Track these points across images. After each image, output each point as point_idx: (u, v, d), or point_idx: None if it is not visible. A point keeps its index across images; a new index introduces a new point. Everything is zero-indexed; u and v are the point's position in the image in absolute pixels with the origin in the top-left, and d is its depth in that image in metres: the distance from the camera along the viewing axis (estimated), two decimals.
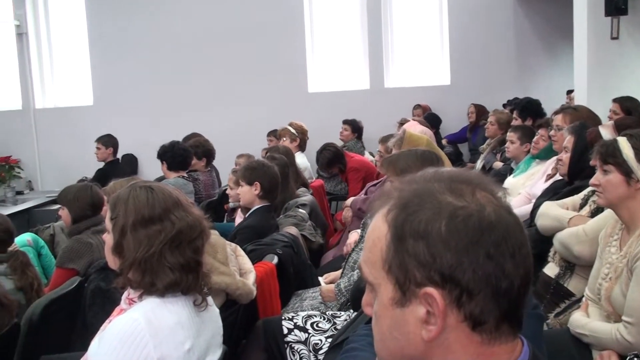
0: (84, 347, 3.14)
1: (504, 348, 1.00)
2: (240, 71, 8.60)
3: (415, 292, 0.97)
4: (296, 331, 2.73)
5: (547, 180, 3.92)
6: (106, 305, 3.39)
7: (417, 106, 8.28)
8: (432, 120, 7.58)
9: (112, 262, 1.99)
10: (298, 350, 2.69)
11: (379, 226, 1.02)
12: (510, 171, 4.83)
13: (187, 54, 8.63)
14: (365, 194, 4.86)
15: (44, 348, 2.91)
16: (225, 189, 5.20)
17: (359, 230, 3.62)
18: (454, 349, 0.98)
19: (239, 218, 4.41)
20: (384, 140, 4.46)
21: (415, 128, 4.34)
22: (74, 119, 8.98)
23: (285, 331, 2.73)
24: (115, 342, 1.79)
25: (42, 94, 9.29)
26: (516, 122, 5.71)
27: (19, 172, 8.53)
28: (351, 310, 2.90)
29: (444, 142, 7.91)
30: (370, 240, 1.04)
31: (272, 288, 3.10)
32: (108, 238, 1.98)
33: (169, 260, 1.88)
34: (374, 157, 6.89)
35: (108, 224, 1.97)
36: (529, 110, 5.77)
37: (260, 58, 8.55)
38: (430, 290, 0.95)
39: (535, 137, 4.39)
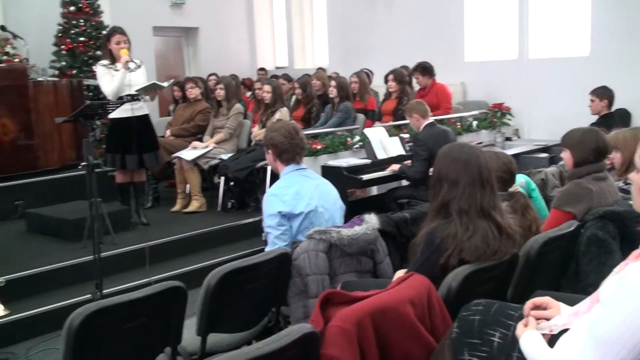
0: (572, 292, 3.10)
1: None
2: None
3: None
4: None
5: None
6: (601, 255, 3.27)
7: None
8: None
9: None
10: None
11: None
12: None
13: None
14: None
15: (536, 283, 2.95)
16: None
17: None
18: None
19: None
20: None
21: None
22: (567, 70, 8.82)
23: None
24: (635, 288, 1.65)
25: (537, 44, 9.38)
26: None
27: (509, 119, 8.90)
28: None
29: None
30: None
31: None
32: (637, 178, 1.84)
33: None
34: None
35: (638, 161, 1.83)
36: None
37: None
38: None
39: None
